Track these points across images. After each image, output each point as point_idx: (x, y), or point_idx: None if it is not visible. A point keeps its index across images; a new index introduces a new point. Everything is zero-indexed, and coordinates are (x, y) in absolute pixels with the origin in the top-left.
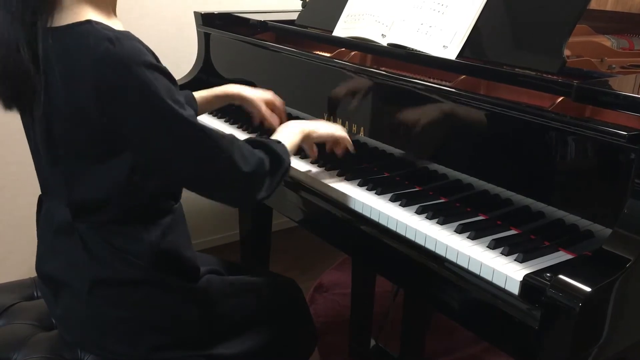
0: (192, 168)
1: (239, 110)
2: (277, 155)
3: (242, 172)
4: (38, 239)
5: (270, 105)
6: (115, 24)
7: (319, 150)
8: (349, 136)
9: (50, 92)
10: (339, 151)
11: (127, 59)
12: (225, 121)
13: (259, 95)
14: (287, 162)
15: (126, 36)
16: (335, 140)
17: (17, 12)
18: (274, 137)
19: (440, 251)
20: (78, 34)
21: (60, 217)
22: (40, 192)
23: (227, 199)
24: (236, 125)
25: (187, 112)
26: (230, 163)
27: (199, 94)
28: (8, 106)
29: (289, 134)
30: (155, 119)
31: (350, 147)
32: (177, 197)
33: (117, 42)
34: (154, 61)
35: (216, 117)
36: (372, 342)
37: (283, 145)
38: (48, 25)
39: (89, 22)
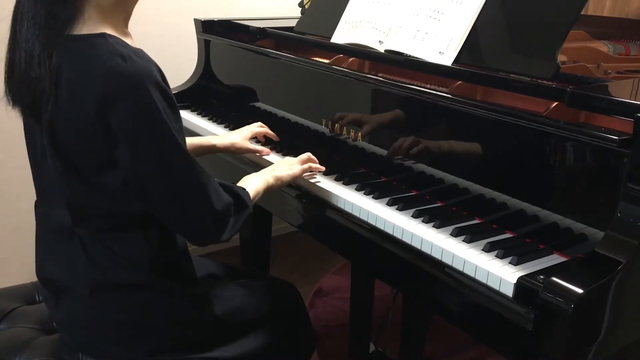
0: (169, 193)
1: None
2: (242, 201)
3: (213, 209)
4: (36, 244)
5: (255, 136)
6: (127, 38)
7: (318, 154)
8: (347, 140)
9: (57, 98)
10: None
11: (136, 76)
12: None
13: (238, 138)
14: (250, 209)
15: (138, 54)
16: (302, 174)
17: (43, 20)
18: (240, 184)
19: (436, 254)
20: (91, 45)
21: (60, 220)
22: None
23: (193, 233)
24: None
25: (181, 138)
26: (206, 198)
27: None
28: (23, 112)
29: (253, 182)
30: (151, 136)
31: (320, 168)
32: None
33: (129, 59)
34: (162, 83)
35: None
36: (372, 346)
37: (247, 193)
38: (67, 33)
39: (102, 35)
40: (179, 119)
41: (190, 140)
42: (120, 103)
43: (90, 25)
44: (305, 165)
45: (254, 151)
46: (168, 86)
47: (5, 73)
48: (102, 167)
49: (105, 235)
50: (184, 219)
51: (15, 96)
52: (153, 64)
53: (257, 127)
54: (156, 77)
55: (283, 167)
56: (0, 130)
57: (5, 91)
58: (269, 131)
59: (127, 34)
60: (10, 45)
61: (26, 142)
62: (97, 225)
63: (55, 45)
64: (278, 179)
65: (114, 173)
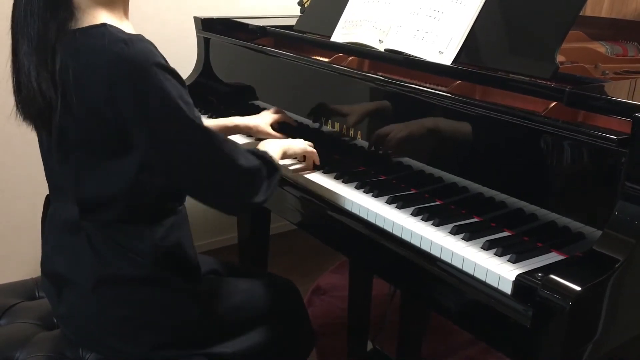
0: (194, 169)
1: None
2: (272, 163)
3: (244, 172)
4: (43, 239)
5: (276, 122)
6: (127, 26)
7: (317, 153)
8: (346, 138)
9: (65, 98)
10: (309, 163)
11: (141, 60)
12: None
13: (261, 121)
14: (280, 170)
15: (139, 39)
16: (307, 154)
17: (36, 35)
18: (262, 149)
19: (435, 252)
20: (94, 35)
21: (68, 215)
22: (47, 193)
23: (224, 203)
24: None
25: (195, 114)
26: (232, 165)
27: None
28: (34, 125)
29: (272, 149)
30: (164, 117)
31: (317, 161)
32: (182, 198)
33: (131, 43)
34: (165, 63)
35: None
36: (370, 345)
37: (272, 157)
38: (68, 28)
39: (104, 25)
40: (188, 94)
41: (213, 122)
42: (129, 87)
43: (89, 17)
44: (310, 149)
45: (273, 136)
46: (169, 65)
47: (14, 93)
48: (113, 155)
49: (111, 228)
50: (214, 190)
51: (25, 112)
52: (154, 46)
53: (277, 114)
54: (158, 57)
55: (295, 140)
56: (1, 130)
57: (17, 108)
58: (287, 117)
59: (125, 22)
60: (14, 66)
61: (38, 139)
62: (104, 218)
63: (53, 48)
64: (290, 148)
65: (128, 160)
